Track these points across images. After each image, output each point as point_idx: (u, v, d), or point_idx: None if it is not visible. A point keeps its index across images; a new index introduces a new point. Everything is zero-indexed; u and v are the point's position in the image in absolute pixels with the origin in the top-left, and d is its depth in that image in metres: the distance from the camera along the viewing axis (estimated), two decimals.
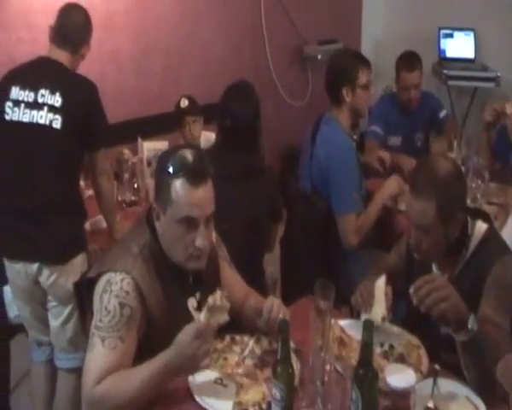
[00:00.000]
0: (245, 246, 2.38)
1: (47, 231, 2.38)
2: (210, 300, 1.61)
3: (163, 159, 1.72)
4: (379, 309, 1.92)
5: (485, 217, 1.98)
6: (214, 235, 1.97)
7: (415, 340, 1.88)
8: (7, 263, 2.48)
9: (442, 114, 3.76)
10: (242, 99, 2.53)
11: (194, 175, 1.65)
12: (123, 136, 3.47)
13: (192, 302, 1.80)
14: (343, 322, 1.97)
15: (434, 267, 1.97)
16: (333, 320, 1.83)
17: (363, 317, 1.89)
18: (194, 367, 1.63)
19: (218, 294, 1.62)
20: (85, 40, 2.57)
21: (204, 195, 1.67)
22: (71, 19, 2.52)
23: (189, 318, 1.69)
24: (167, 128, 3.52)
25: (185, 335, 1.58)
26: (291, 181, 2.94)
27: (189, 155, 1.67)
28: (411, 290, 1.64)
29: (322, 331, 1.74)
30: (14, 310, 2.65)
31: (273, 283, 2.72)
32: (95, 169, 2.51)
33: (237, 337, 1.87)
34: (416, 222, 1.84)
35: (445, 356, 1.81)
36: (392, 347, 1.86)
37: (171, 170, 1.66)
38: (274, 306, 1.81)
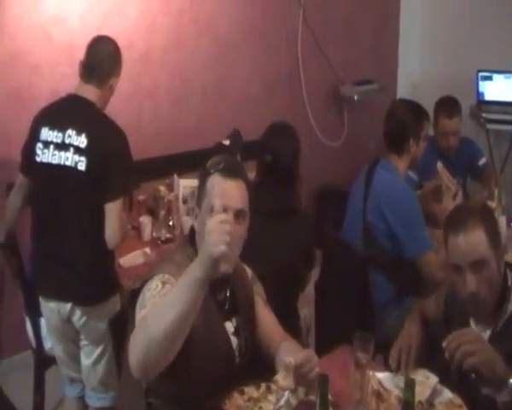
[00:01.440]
0: (278, 287, 2.33)
1: (77, 272, 2.39)
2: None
3: (204, 166, 1.83)
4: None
5: None
6: (250, 271, 2.00)
7: (457, 399, 1.79)
8: (41, 301, 2.49)
9: (481, 161, 3.69)
10: (284, 137, 2.56)
11: (226, 170, 1.76)
12: (159, 171, 3.50)
13: (229, 326, 1.84)
14: (381, 374, 1.90)
15: (472, 323, 1.89)
16: (371, 373, 1.77)
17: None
18: (215, 267, 1.49)
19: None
20: (113, 72, 2.51)
21: (235, 188, 1.76)
22: (97, 52, 2.50)
23: (225, 339, 1.81)
24: (203, 164, 3.51)
25: (211, 222, 1.49)
26: (326, 224, 2.90)
27: (224, 157, 1.85)
28: (444, 344, 1.61)
29: (361, 385, 1.70)
30: (49, 342, 2.66)
31: (307, 327, 2.67)
32: (105, 225, 2.35)
33: (273, 386, 1.80)
34: (470, 257, 1.75)
35: None
36: (432, 405, 1.78)
37: (208, 168, 1.79)
38: (307, 365, 1.72)
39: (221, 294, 1.83)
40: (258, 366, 1.71)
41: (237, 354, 1.85)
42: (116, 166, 2.36)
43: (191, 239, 1.83)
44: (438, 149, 3.60)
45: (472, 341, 1.62)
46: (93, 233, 2.38)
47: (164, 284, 1.66)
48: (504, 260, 1.86)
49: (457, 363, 1.59)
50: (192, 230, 1.85)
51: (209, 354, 1.70)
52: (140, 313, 1.63)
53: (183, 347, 1.61)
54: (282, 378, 1.62)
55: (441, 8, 5.00)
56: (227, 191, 1.74)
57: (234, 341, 1.83)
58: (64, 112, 2.43)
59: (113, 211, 2.35)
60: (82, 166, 2.32)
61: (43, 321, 2.63)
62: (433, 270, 2.58)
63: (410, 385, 1.46)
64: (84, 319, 2.42)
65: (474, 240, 1.76)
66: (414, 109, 2.84)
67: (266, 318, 1.97)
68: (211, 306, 1.76)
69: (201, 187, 1.79)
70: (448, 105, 3.58)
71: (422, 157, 3.55)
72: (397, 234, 2.66)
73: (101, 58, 2.48)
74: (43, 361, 2.74)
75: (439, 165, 3.02)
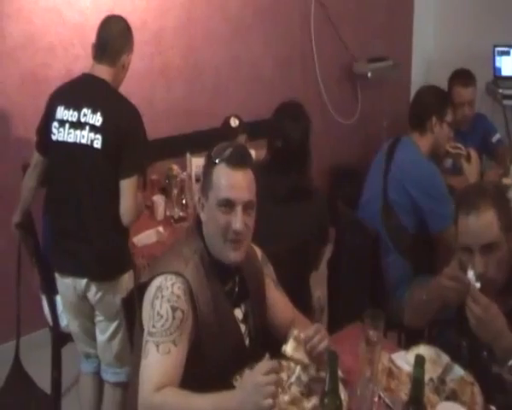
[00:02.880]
0: (292, 267, 2.34)
1: (92, 248, 2.42)
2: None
3: (209, 152, 1.78)
4: None
5: None
6: (260, 253, 1.99)
7: (468, 376, 1.78)
8: (57, 277, 2.53)
9: (495, 138, 3.66)
10: (294, 120, 2.50)
11: (233, 160, 1.71)
12: (172, 150, 3.52)
13: (238, 313, 1.84)
14: (393, 354, 1.91)
15: None
16: (382, 351, 1.78)
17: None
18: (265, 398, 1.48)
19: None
20: (124, 49, 2.50)
21: (243, 179, 1.71)
22: (107, 30, 2.49)
23: (235, 327, 1.81)
24: (216, 143, 3.52)
25: (257, 372, 1.50)
26: (339, 203, 2.90)
27: (230, 145, 1.76)
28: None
29: (372, 362, 1.70)
30: (65, 319, 2.71)
31: (320, 307, 2.68)
32: (120, 202, 2.38)
33: (284, 363, 1.81)
34: (481, 240, 1.75)
35: (498, 398, 1.72)
36: (443, 382, 1.79)
37: (213, 158, 1.73)
38: (316, 337, 1.74)
39: (230, 282, 1.82)
40: (271, 347, 1.72)
41: (247, 339, 1.86)
42: (131, 143, 2.38)
43: (198, 230, 1.80)
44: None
45: (481, 304, 1.66)
46: (108, 210, 2.41)
47: (174, 310, 1.63)
48: None
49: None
50: (198, 220, 1.81)
51: (219, 343, 1.71)
52: (149, 344, 1.61)
53: (195, 342, 1.67)
54: (292, 349, 1.62)
55: None
56: (234, 183, 1.70)
57: (243, 327, 1.84)
58: (79, 91, 2.45)
59: (128, 188, 2.38)
60: (98, 144, 2.35)
61: (58, 299, 2.67)
62: None
63: (419, 362, 1.46)
64: (99, 294, 2.46)
65: (485, 223, 1.74)
66: (439, 93, 2.91)
67: (277, 298, 1.97)
68: (220, 295, 1.77)
69: (207, 177, 1.75)
70: (462, 75, 3.57)
71: None
72: (422, 209, 2.69)
73: (112, 37, 2.47)
74: (60, 338, 2.78)
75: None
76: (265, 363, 1.53)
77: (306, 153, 2.51)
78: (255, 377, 1.48)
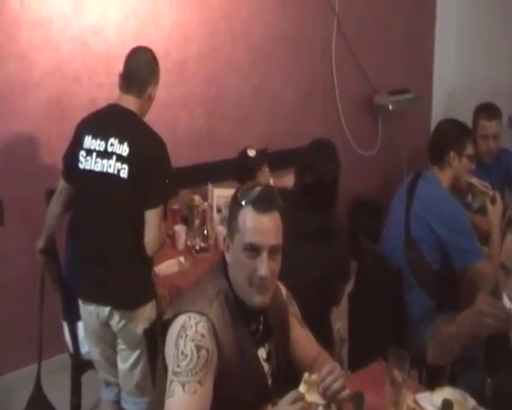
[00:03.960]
0: (313, 303, 2.34)
1: (116, 276, 2.43)
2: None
3: (235, 192, 1.76)
4: None
5: None
6: (285, 290, 1.98)
7: None
8: (81, 304, 2.55)
9: None
10: (327, 159, 2.50)
11: (260, 203, 1.68)
12: (193, 180, 3.54)
13: (262, 353, 1.83)
14: (417, 395, 1.88)
15: None
16: (407, 391, 1.76)
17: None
18: None
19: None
20: (150, 81, 2.53)
21: (269, 223, 1.68)
22: (135, 62, 2.52)
23: (259, 367, 1.80)
24: (238, 173, 3.52)
25: (280, 406, 1.54)
26: (361, 236, 2.89)
27: (258, 186, 1.72)
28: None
29: (396, 403, 1.69)
30: (86, 346, 2.72)
31: (341, 340, 2.66)
32: (145, 231, 2.41)
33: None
34: None
35: None
36: None
37: (240, 199, 1.70)
38: (329, 377, 1.70)
39: (254, 322, 1.81)
40: (294, 384, 1.71)
41: (270, 378, 1.85)
42: (157, 174, 2.41)
43: (223, 268, 1.78)
44: (476, 156, 3.57)
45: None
46: (133, 239, 2.43)
47: (199, 349, 1.62)
48: None
49: None
50: (223, 258, 1.79)
51: (242, 383, 1.70)
52: (174, 384, 1.60)
53: (219, 382, 1.66)
54: (306, 391, 1.62)
55: (477, 16, 4.92)
56: (261, 228, 1.67)
57: (266, 367, 1.83)
58: (106, 121, 2.48)
59: (153, 218, 2.41)
60: (124, 174, 2.37)
61: (80, 326, 2.68)
62: (487, 277, 2.53)
63: (447, 406, 1.44)
64: (122, 322, 2.46)
65: None
66: (458, 126, 2.89)
67: (302, 337, 1.96)
68: (244, 335, 1.76)
69: (233, 218, 1.72)
70: (488, 108, 3.58)
71: None
72: (445, 244, 2.68)
73: (139, 68, 2.51)
74: (80, 365, 2.79)
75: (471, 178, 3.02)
76: (290, 394, 1.54)
77: (334, 194, 2.52)
78: (282, 407, 1.51)
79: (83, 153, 2.44)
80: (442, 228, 2.68)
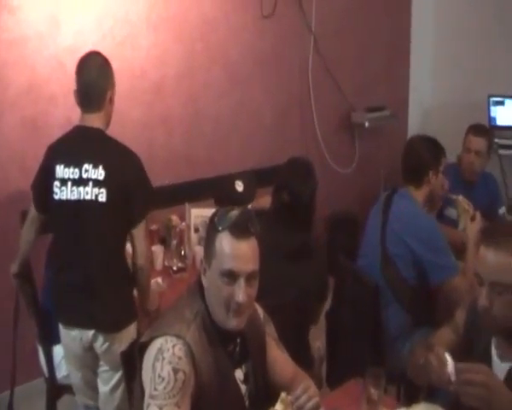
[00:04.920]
0: (291, 322, 2.34)
1: (100, 301, 2.42)
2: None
3: (212, 216, 1.76)
4: None
5: None
6: (262, 311, 1.97)
7: None
8: (62, 329, 2.51)
9: (501, 210, 3.72)
10: (303, 178, 2.51)
11: (238, 229, 1.67)
12: (171, 199, 3.54)
13: (239, 374, 1.82)
14: None
15: (494, 353, 1.84)
16: (382, 408, 1.76)
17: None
18: None
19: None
20: (107, 87, 2.46)
21: (247, 249, 1.68)
22: (87, 73, 2.44)
23: (236, 389, 1.79)
24: (214, 193, 3.54)
25: None
26: (339, 253, 2.90)
27: (235, 211, 1.71)
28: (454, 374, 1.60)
29: None
30: (61, 370, 2.68)
31: (319, 358, 2.66)
32: (134, 248, 2.44)
33: None
34: (495, 279, 1.71)
35: None
36: None
37: (217, 224, 1.69)
38: (303, 396, 1.71)
39: (232, 343, 1.80)
40: (272, 405, 1.70)
41: (247, 400, 1.84)
42: (137, 191, 2.40)
43: (200, 291, 1.78)
44: (461, 178, 3.64)
45: (480, 384, 1.57)
46: (115, 262, 2.43)
47: (176, 371, 1.61)
48: None
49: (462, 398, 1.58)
50: (200, 281, 1.78)
51: (219, 405, 1.69)
52: (151, 407, 1.58)
53: (193, 402, 1.64)
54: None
55: (452, 34, 5.02)
56: (238, 254, 1.67)
57: (243, 388, 1.83)
58: (76, 147, 2.43)
59: (140, 232, 2.43)
60: (102, 198, 2.35)
61: (55, 350, 2.65)
62: (462, 293, 2.57)
63: None
64: (106, 345, 2.44)
65: (500, 262, 1.71)
66: (432, 145, 2.91)
67: (278, 357, 1.96)
68: (221, 357, 1.75)
69: (210, 243, 1.71)
70: (478, 126, 3.69)
71: None
72: (422, 261, 2.70)
73: (93, 79, 2.43)
74: (56, 390, 2.75)
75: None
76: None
77: (312, 212, 2.52)
78: None
79: (57, 183, 2.39)
80: (418, 245, 2.70)
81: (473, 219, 2.92)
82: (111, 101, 2.49)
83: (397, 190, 2.89)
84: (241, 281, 1.67)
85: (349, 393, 1.96)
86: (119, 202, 2.36)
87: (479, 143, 3.60)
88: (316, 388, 1.78)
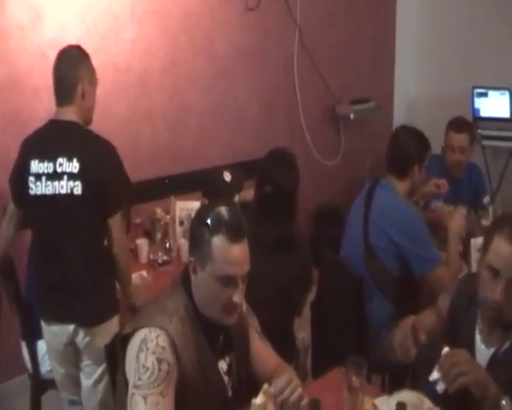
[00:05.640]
0: (275, 314, 2.35)
1: (81, 296, 2.40)
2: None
3: (201, 213, 1.76)
4: None
5: None
6: (245, 305, 1.97)
7: None
8: (44, 326, 2.50)
9: (486, 199, 3.68)
10: (285, 167, 2.50)
11: (233, 232, 1.68)
12: (156, 193, 3.53)
13: (222, 365, 1.83)
14: (376, 399, 1.90)
15: (478, 338, 1.87)
16: (365, 396, 1.78)
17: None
18: None
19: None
20: (77, 80, 2.40)
21: (243, 252, 1.70)
22: (58, 68, 2.42)
23: (219, 380, 1.80)
24: (200, 186, 3.54)
25: None
26: (323, 245, 2.91)
27: (227, 211, 1.71)
28: (436, 367, 1.65)
29: (354, 409, 1.70)
30: (45, 365, 2.67)
31: (305, 349, 2.67)
32: (111, 237, 2.43)
33: None
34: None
35: None
36: None
37: (210, 226, 1.68)
38: (287, 389, 1.75)
39: (215, 334, 1.81)
40: (254, 396, 1.71)
41: (230, 390, 1.86)
42: (113, 182, 2.38)
43: (184, 283, 1.78)
44: (446, 168, 3.61)
45: (463, 362, 1.64)
46: (95, 254, 2.41)
47: (160, 362, 1.62)
48: None
49: (450, 384, 1.61)
50: (184, 273, 1.79)
51: (202, 396, 1.71)
52: (135, 397, 1.60)
53: (179, 397, 1.66)
54: (260, 403, 1.63)
55: (436, 26, 5.05)
56: (236, 259, 1.68)
57: (226, 379, 1.84)
58: (50, 141, 2.40)
59: (116, 222, 2.42)
60: (78, 191, 2.33)
61: (39, 345, 2.64)
62: (445, 284, 2.57)
63: (400, 409, 1.46)
64: (87, 339, 2.43)
65: None
66: (418, 138, 2.89)
67: (261, 349, 1.98)
68: (204, 348, 1.76)
69: (203, 244, 1.69)
70: (458, 121, 3.62)
71: (430, 173, 3.45)
72: (405, 253, 2.70)
73: (63, 73, 2.40)
74: (40, 386, 2.74)
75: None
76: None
77: (295, 203, 2.51)
78: None
79: (31, 179, 2.37)
80: (400, 236, 2.70)
81: (452, 215, 2.93)
82: (84, 95, 2.43)
83: (379, 181, 2.90)
84: (239, 284, 1.70)
85: (331, 382, 1.98)
86: (94, 194, 2.34)
87: (461, 139, 3.55)
88: (298, 380, 1.79)
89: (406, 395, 1.87)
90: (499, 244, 1.74)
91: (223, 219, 1.68)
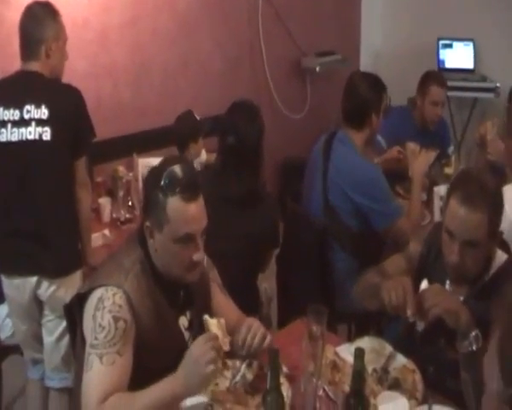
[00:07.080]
0: (240, 267, 2.35)
1: (46, 245, 2.39)
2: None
3: (153, 174, 1.71)
4: None
5: (505, 247, 1.93)
6: (206, 257, 1.96)
7: (410, 364, 1.83)
8: (5, 280, 2.47)
9: (450, 149, 3.71)
10: (249, 118, 2.45)
11: (188, 191, 1.65)
12: (119, 151, 3.48)
13: (183, 321, 1.83)
14: (338, 347, 1.93)
15: (448, 285, 1.90)
16: (327, 344, 1.80)
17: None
18: (202, 387, 1.62)
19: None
20: (42, 37, 2.39)
21: (199, 209, 1.69)
22: (24, 23, 2.42)
23: (179, 336, 1.79)
24: (164, 143, 3.50)
25: (194, 347, 1.59)
26: (288, 198, 2.91)
27: (180, 170, 1.67)
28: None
29: (314, 357, 1.71)
30: (6, 331, 2.65)
31: (268, 300, 2.68)
32: (75, 180, 2.45)
33: (229, 362, 1.83)
34: (467, 237, 1.73)
35: (450, 383, 1.76)
36: (386, 371, 1.82)
37: (164, 187, 1.65)
38: (250, 332, 1.80)
39: (175, 290, 1.80)
40: None
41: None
42: (80, 126, 2.43)
43: (139, 239, 1.75)
44: (417, 120, 3.59)
45: (434, 294, 1.68)
46: (62, 201, 2.42)
47: (116, 320, 1.61)
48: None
49: (423, 318, 1.68)
50: (140, 230, 1.76)
51: (162, 353, 1.69)
52: (92, 356, 1.59)
53: (136, 354, 1.65)
54: (214, 325, 1.67)
55: None
56: (193, 217, 1.66)
57: (187, 335, 1.83)
58: (17, 88, 2.41)
59: (82, 164, 2.46)
60: (47, 136, 2.34)
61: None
62: (406, 236, 2.56)
63: (359, 355, 1.48)
64: (50, 290, 2.42)
65: (475, 222, 1.71)
66: (374, 83, 2.78)
67: (222, 302, 1.98)
68: (163, 304, 1.74)
69: (158, 207, 1.65)
70: (438, 75, 3.61)
71: (394, 125, 3.47)
72: (365, 211, 2.67)
73: (29, 29, 2.41)
74: (1, 351, 2.71)
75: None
76: (200, 338, 1.59)
77: (259, 155, 2.46)
78: (193, 351, 1.57)
79: None
80: (359, 196, 2.66)
81: (416, 155, 2.93)
82: (49, 56, 2.43)
83: (336, 133, 2.81)
84: (198, 240, 1.69)
85: (295, 332, 1.98)
86: (64, 138, 2.37)
87: (443, 93, 3.54)
88: (259, 322, 1.83)
89: (367, 342, 1.91)
90: (453, 206, 1.76)
91: (177, 179, 1.65)
